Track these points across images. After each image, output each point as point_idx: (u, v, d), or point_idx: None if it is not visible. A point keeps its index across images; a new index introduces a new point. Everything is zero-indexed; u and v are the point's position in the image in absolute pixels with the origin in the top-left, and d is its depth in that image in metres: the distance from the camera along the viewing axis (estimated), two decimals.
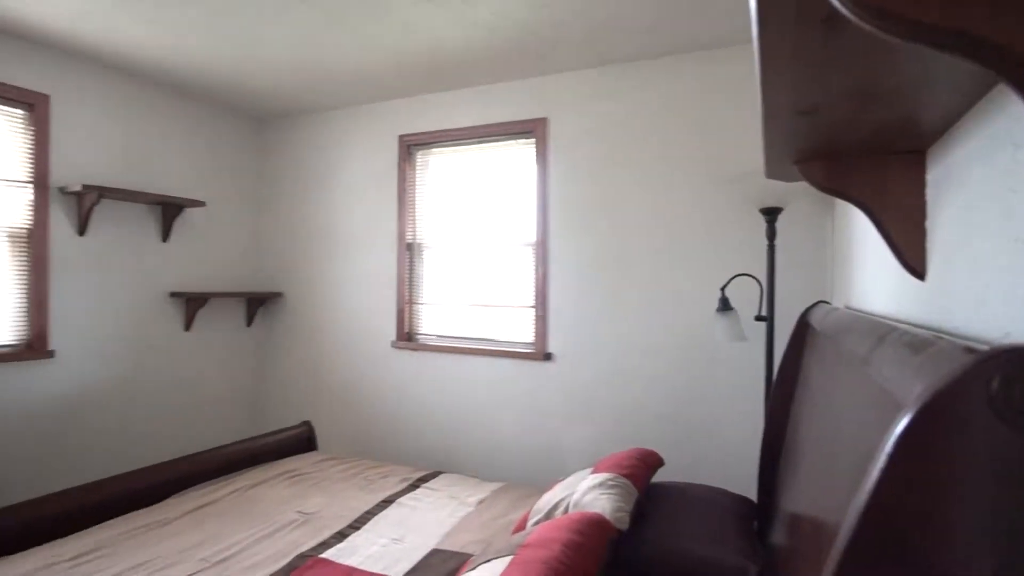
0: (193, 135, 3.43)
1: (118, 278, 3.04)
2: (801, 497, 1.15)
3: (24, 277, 2.68)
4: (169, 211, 3.23)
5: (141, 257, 3.15)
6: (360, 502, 2.17)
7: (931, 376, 0.44)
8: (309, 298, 3.68)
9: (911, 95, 0.67)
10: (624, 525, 1.45)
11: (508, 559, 1.20)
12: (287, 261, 3.78)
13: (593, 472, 1.75)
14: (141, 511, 2.05)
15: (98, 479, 2.19)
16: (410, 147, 3.36)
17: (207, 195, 3.48)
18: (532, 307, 3.02)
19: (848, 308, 1.68)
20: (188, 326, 3.37)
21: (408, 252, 3.37)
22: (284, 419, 3.67)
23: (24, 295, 2.68)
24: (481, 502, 2.19)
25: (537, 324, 2.98)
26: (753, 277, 2.28)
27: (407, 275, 3.37)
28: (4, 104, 2.61)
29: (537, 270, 2.99)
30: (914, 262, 0.89)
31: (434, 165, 3.35)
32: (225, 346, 3.63)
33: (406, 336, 3.35)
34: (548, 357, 2.94)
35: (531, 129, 3.00)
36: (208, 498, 2.16)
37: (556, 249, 2.95)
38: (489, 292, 3.17)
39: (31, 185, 2.69)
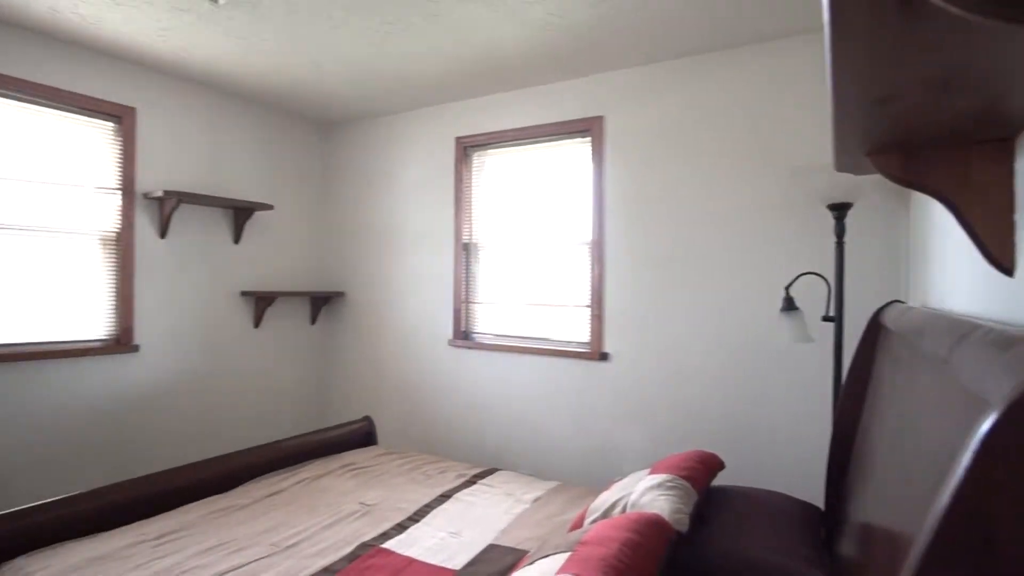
0: (262, 141, 3.61)
1: (194, 278, 3.23)
2: (874, 503, 1.10)
3: (113, 277, 2.89)
4: (240, 214, 3.41)
5: (215, 258, 3.34)
6: (418, 495, 2.23)
7: (1021, 373, 0.42)
8: (369, 297, 3.80)
9: (999, 80, 0.63)
10: (683, 527, 1.43)
11: (565, 555, 1.20)
12: (349, 261, 3.91)
13: (651, 473, 1.73)
14: (217, 496, 2.17)
15: (177, 465, 2.33)
16: (466, 148, 3.42)
17: (275, 198, 3.65)
18: (588, 306, 3.00)
19: (925, 308, 1.59)
20: (257, 323, 3.54)
21: (464, 252, 3.42)
22: (345, 414, 3.80)
23: (113, 294, 2.89)
24: (537, 500, 2.20)
25: (593, 324, 2.97)
26: (820, 276, 2.19)
27: (463, 274, 3.42)
28: (96, 117, 2.82)
29: (593, 269, 2.97)
30: (1001, 257, 0.84)
31: (490, 166, 3.39)
32: (290, 343, 3.79)
33: (462, 334, 3.41)
34: (604, 357, 2.91)
35: (587, 128, 2.99)
36: (277, 487, 2.27)
37: (612, 248, 2.92)
38: (545, 291, 3.18)
39: (119, 192, 2.90)
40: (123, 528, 1.88)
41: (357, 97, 3.41)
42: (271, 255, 3.67)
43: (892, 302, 1.65)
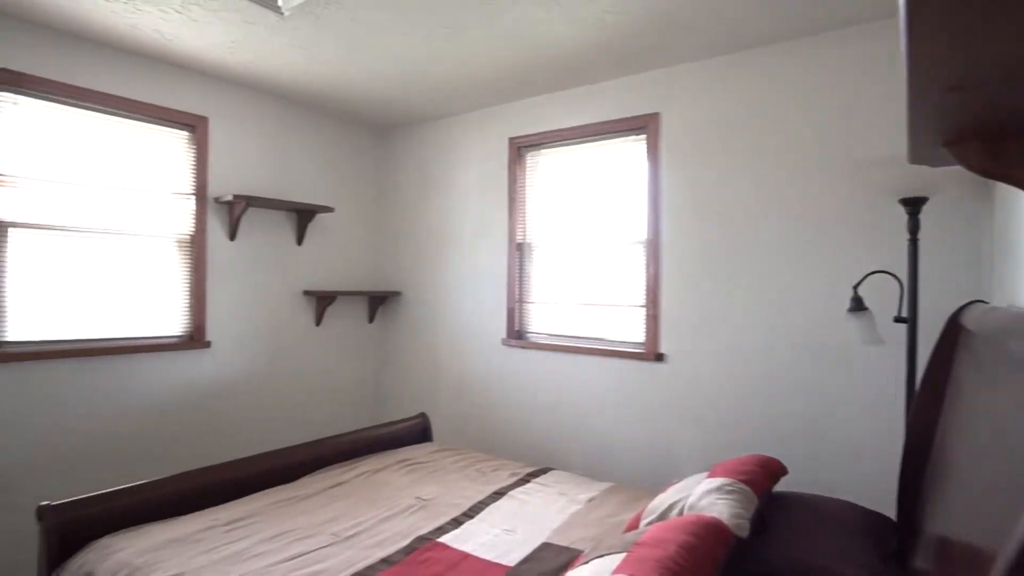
0: (323, 146, 3.74)
1: (260, 278, 3.38)
2: (954, 515, 1.04)
3: (187, 277, 3.06)
4: (303, 217, 3.55)
5: (279, 259, 3.48)
6: (473, 492, 2.25)
7: None
8: (425, 297, 3.87)
9: None
10: (743, 532, 1.39)
11: (621, 556, 1.19)
12: (405, 262, 4.00)
13: (709, 476, 1.69)
14: (281, 487, 2.27)
15: (244, 455, 2.45)
16: (520, 148, 3.43)
17: (335, 201, 3.78)
18: (643, 306, 2.96)
19: (1013, 308, 1.48)
20: (318, 322, 3.68)
21: (518, 251, 3.44)
22: (401, 410, 3.88)
23: (187, 293, 3.06)
24: (591, 500, 2.18)
25: (648, 324, 2.92)
26: (891, 275, 2.08)
27: (517, 274, 3.44)
28: (172, 127, 3.00)
29: (648, 268, 2.93)
30: None
31: (544, 165, 3.39)
32: (349, 341, 3.92)
33: (516, 334, 3.42)
34: (660, 358, 2.86)
35: (643, 125, 2.95)
36: (337, 479, 2.35)
37: (668, 246, 2.87)
38: (599, 291, 3.15)
39: (193, 196, 3.07)
40: (196, 513, 1.99)
41: (412, 101, 3.48)
42: (331, 256, 3.80)
43: (973, 302, 1.55)
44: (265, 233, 3.41)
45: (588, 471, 2.99)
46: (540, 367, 3.29)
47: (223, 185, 3.18)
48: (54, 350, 2.56)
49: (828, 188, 2.45)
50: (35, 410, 2.51)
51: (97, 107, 2.72)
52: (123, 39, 2.65)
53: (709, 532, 1.27)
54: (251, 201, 3.13)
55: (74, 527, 1.76)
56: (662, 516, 1.59)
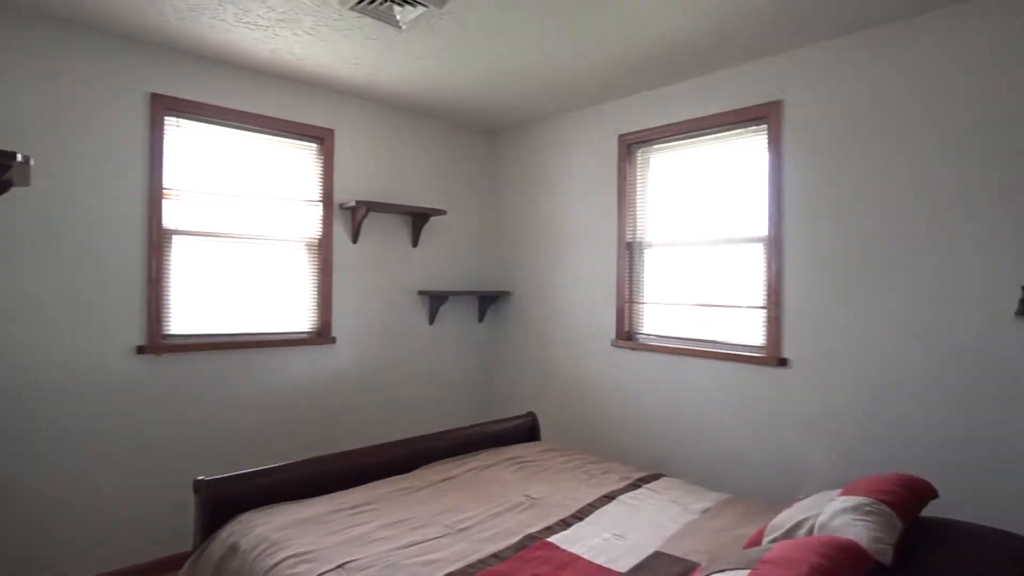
0: (436, 151, 3.90)
1: (379, 278, 3.59)
2: None
3: (315, 278, 3.32)
4: (418, 220, 3.71)
5: (396, 260, 3.68)
6: (582, 494, 2.23)
7: None
8: (534, 296, 3.90)
9: None
10: (885, 558, 1.25)
11: (744, 572, 1.12)
12: (515, 262, 4.05)
13: (842, 494, 1.54)
14: (398, 477, 2.39)
15: (364, 445, 2.61)
16: (630, 146, 3.36)
17: (447, 204, 3.92)
18: (763, 307, 2.77)
19: None
20: (432, 320, 3.83)
21: (628, 251, 3.36)
22: (511, 408, 3.94)
23: (315, 292, 3.32)
24: (706, 511, 2.08)
25: (769, 326, 2.73)
26: None
27: (627, 274, 3.36)
28: (304, 140, 3.27)
29: (769, 267, 2.74)
30: None
31: (655, 162, 3.29)
32: (461, 339, 4.04)
33: (626, 335, 3.35)
34: (783, 363, 2.67)
35: (763, 115, 2.76)
36: (449, 473, 2.43)
37: (791, 244, 2.67)
38: (714, 291, 3.00)
39: (320, 203, 3.32)
40: (324, 496, 2.15)
41: (521, 103, 3.52)
42: (444, 257, 3.95)
43: None
44: (383, 236, 3.61)
45: (702, 480, 2.85)
46: (651, 369, 3.20)
47: (346, 191, 3.41)
48: (205, 343, 2.88)
49: (990, 176, 2.15)
50: (188, 394, 2.84)
51: (242, 125, 3.03)
52: (263, 62, 2.93)
53: (845, 555, 1.16)
54: (371, 206, 3.33)
55: (222, 501, 1.97)
56: (788, 534, 1.48)
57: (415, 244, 3.75)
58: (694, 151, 3.10)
